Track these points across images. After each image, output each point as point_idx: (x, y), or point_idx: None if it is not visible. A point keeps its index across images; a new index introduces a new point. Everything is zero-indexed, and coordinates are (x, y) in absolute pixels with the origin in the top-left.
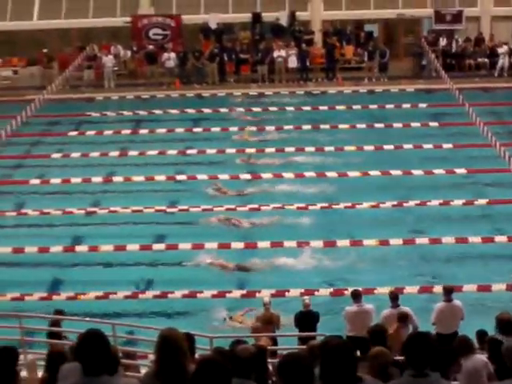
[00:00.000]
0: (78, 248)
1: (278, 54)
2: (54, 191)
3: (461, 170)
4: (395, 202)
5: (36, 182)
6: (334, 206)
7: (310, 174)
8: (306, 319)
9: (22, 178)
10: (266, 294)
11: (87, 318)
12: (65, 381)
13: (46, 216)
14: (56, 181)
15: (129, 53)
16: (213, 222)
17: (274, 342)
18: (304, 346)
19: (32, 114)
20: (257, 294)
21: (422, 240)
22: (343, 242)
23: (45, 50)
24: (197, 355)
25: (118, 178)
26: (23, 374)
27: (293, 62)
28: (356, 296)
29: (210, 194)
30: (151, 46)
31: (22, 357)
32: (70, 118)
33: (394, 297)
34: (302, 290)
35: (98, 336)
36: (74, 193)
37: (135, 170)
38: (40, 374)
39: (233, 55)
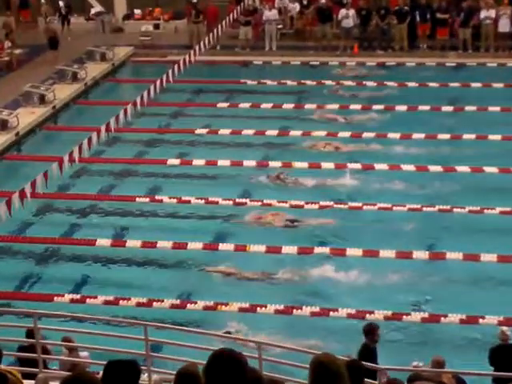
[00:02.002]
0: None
1: (486, 14)
2: (195, 174)
3: None
4: None
5: (175, 162)
6: None
7: None
8: (506, 354)
9: (159, 157)
10: None
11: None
12: None
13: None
14: (199, 162)
15: (297, 7)
16: None
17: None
18: None
19: (174, 78)
20: None
21: None
22: None
23: (194, 1)
24: None
25: (275, 163)
26: None
27: (505, 26)
28: None
29: None
30: (325, 0)
31: (144, 376)
32: (220, 85)
33: None
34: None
35: (231, 357)
36: (222, 178)
37: (299, 155)
38: None
39: (427, 14)
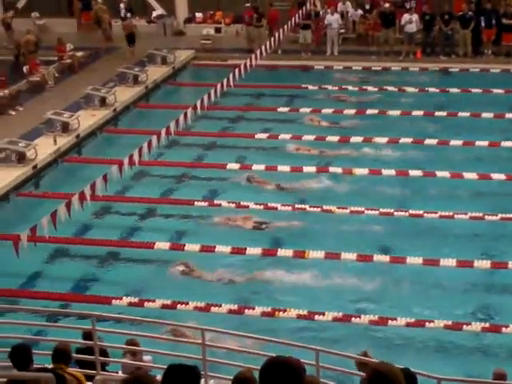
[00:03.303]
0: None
1: None
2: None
3: None
4: None
5: (235, 166)
6: None
7: None
8: None
9: (217, 162)
10: None
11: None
12: None
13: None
14: (259, 167)
15: (359, 12)
16: None
17: None
18: None
19: (234, 82)
20: None
21: None
22: None
23: (252, 5)
24: None
25: (336, 169)
26: None
27: None
28: None
29: None
30: (388, 5)
31: (201, 381)
32: (281, 89)
33: None
34: None
35: (289, 363)
36: (282, 183)
37: (360, 162)
38: None
39: (493, 20)
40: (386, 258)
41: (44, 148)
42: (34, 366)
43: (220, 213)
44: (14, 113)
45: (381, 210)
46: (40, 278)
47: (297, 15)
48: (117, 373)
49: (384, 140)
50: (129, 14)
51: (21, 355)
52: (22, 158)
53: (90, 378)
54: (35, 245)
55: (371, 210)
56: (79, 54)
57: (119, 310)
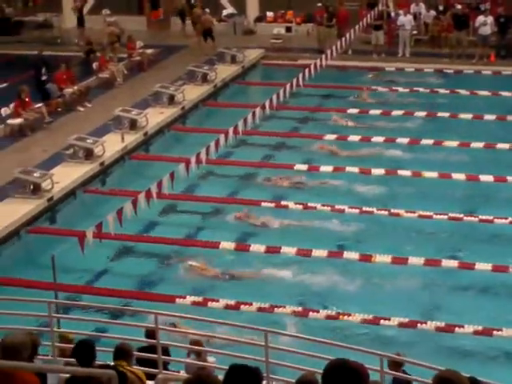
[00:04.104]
0: None
1: None
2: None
3: None
4: None
5: (302, 167)
6: None
7: None
8: None
9: (285, 162)
10: None
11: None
12: None
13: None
14: (326, 168)
15: (432, 13)
16: None
17: None
18: None
19: (304, 83)
20: None
21: None
22: None
23: (324, 4)
24: None
25: (404, 172)
26: None
27: None
28: None
29: None
30: (460, 6)
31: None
32: (351, 91)
33: None
34: None
35: (352, 367)
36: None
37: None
38: None
39: None
40: (454, 264)
41: (111, 145)
42: (96, 362)
43: (286, 215)
44: (82, 109)
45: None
46: (104, 274)
47: (368, 15)
48: (178, 372)
49: (455, 143)
50: (207, 9)
51: (85, 352)
52: (89, 155)
53: (150, 376)
54: (100, 241)
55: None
56: (149, 51)
57: (182, 309)
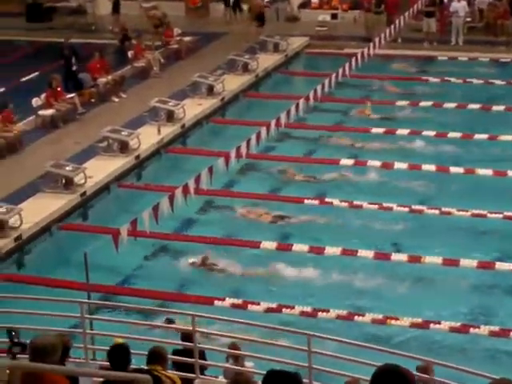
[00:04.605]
0: None
1: None
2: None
3: None
4: None
5: (348, 162)
6: None
7: None
8: None
9: (331, 157)
10: None
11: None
12: None
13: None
14: (374, 163)
15: None
16: None
17: None
18: None
19: (350, 73)
20: None
21: None
22: None
23: None
24: None
25: (457, 169)
26: None
27: None
28: None
29: None
30: None
31: None
32: (400, 81)
33: None
34: None
35: (399, 373)
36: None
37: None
38: None
39: None
40: (509, 266)
41: (147, 137)
42: (130, 366)
43: (331, 212)
44: (117, 100)
45: None
46: (139, 274)
47: (419, 1)
48: (216, 377)
49: (509, 137)
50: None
51: (119, 355)
52: (124, 148)
53: (186, 381)
54: (135, 239)
55: None
56: (187, 38)
57: (221, 312)
